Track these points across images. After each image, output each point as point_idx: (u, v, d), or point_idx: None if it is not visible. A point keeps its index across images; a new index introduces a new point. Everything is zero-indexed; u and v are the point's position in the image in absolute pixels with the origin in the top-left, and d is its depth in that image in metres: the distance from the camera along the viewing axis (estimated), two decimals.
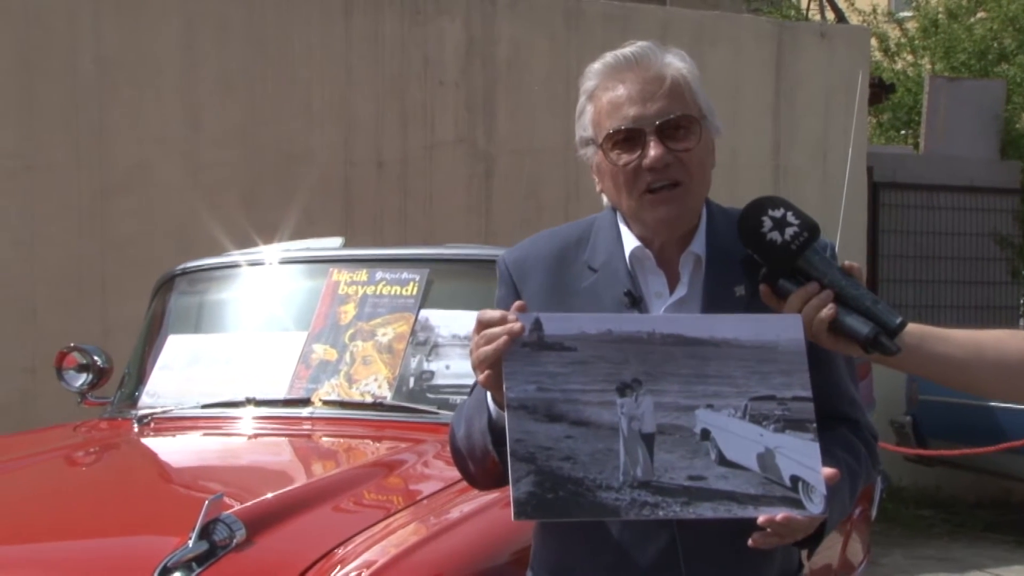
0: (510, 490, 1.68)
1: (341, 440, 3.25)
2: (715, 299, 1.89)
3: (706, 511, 1.70)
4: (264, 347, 3.53)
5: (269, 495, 2.47)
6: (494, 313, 1.76)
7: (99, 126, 6.30)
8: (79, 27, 6.30)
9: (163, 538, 2.27)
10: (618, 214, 1.97)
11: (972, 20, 12.85)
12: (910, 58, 13.12)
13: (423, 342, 3.35)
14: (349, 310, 3.47)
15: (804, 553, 2.01)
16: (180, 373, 3.57)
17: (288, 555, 2.23)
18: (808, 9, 14.69)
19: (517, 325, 1.73)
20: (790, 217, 1.82)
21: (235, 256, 3.98)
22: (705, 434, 1.73)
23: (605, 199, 1.99)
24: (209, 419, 3.38)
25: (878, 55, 12.75)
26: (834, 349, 1.83)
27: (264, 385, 3.39)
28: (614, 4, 7.69)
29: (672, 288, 1.93)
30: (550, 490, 1.68)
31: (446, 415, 2.91)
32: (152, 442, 3.39)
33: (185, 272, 3.89)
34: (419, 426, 3.19)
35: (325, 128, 6.84)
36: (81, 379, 3.88)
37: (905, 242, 9.48)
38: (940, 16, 12.97)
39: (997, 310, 9.75)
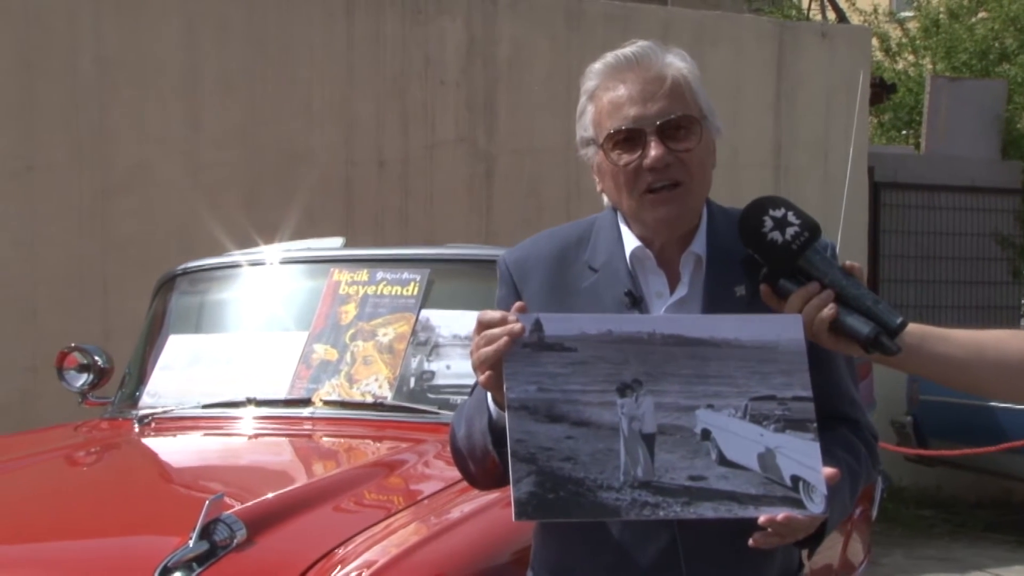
0: (511, 490, 1.68)
1: (342, 440, 3.25)
2: (715, 299, 1.89)
3: (707, 511, 1.70)
4: (265, 347, 3.53)
5: (270, 495, 2.47)
6: (494, 314, 1.77)
7: (100, 126, 6.30)
8: (79, 27, 6.30)
9: (164, 538, 2.27)
10: (619, 214, 1.97)
11: (973, 20, 12.85)
12: (911, 58, 13.13)
13: (424, 342, 3.35)
14: (350, 310, 3.47)
15: (805, 553, 2.01)
16: (181, 373, 3.57)
17: (289, 555, 2.23)
18: (809, 9, 14.69)
19: (517, 326, 1.73)
20: (791, 217, 1.82)
21: (236, 256, 3.98)
22: (706, 434, 1.73)
23: (606, 199, 1.99)
24: (210, 419, 3.38)
25: (879, 55, 12.75)
26: (835, 349, 1.83)
27: (265, 385, 3.39)
28: (615, 4, 7.69)
29: (672, 288, 1.93)
30: (551, 490, 1.68)
31: (447, 415, 2.91)
32: (153, 442, 3.39)
33: (186, 272, 3.89)
34: (420, 426, 3.19)
35: (326, 128, 6.84)
36: (82, 379, 3.88)
37: (906, 242, 9.48)
38: (941, 16, 12.97)
39: (998, 310, 9.74)
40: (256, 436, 3.32)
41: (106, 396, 3.90)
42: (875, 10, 13.40)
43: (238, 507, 2.30)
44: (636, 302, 1.91)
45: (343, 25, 6.90)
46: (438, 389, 3.27)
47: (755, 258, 1.85)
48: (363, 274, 3.53)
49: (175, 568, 2.12)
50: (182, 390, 3.50)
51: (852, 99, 7.35)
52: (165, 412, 3.43)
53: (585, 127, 1.95)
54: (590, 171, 1.99)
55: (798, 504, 1.71)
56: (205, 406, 3.41)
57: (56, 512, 2.68)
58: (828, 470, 1.74)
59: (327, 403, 3.32)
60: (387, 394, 3.29)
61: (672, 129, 1.87)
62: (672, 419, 1.73)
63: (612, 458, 1.70)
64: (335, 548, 2.25)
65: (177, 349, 3.65)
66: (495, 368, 1.74)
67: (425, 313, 3.40)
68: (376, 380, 3.31)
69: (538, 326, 1.74)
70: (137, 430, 3.40)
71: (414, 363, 3.32)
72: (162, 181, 6.39)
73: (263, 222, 6.07)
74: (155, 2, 6.50)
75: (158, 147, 6.42)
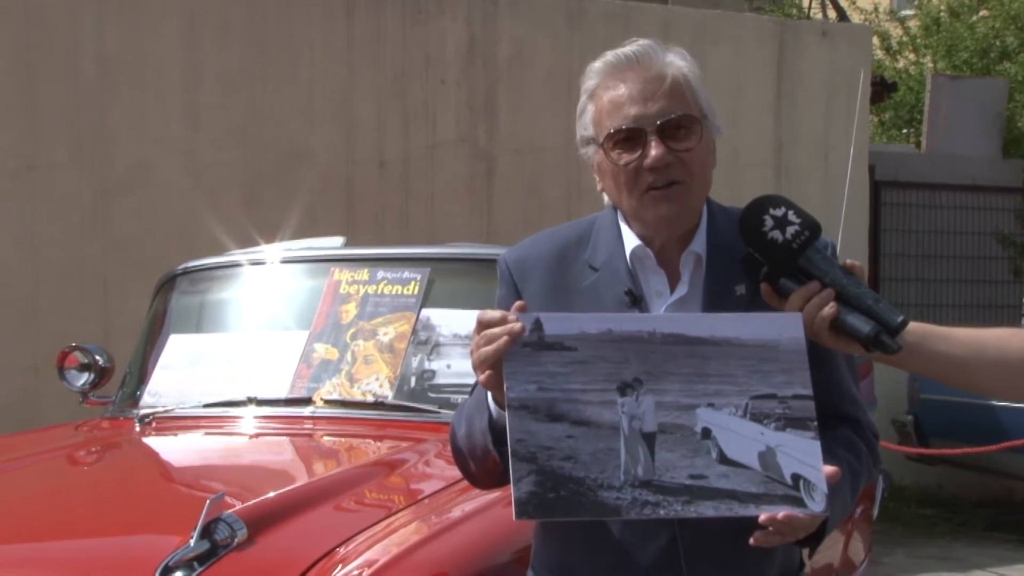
0: (511, 490, 1.68)
1: (342, 439, 3.25)
2: (716, 298, 1.89)
3: (707, 510, 1.70)
4: (265, 346, 3.53)
5: (271, 494, 2.47)
6: (494, 313, 1.77)
7: (100, 126, 6.31)
8: (80, 27, 6.30)
9: (164, 537, 2.28)
10: (619, 213, 1.97)
11: (974, 18, 12.85)
12: (912, 56, 13.12)
13: (424, 341, 3.35)
14: (350, 309, 3.48)
15: (806, 552, 2.00)
16: (182, 373, 3.57)
17: (289, 554, 2.23)
18: (810, 8, 14.69)
19: (517, 325, 1.73)
20: (791, 216, 1.82)
21: (236, 256, 3.99)
22: (706, 433, 1.73)
23: (606, 198, 1.99)
24: (211, 418, 3.39)
25: (880, 54, 12.75)
26: (835, 348, 1.83)
27: (265, 384, 3.40)
28: (616, 3, 7.69)
29: (673, 287, 1.93)
30: (551, 490, 1.68)
31: (447, 414, 2.91)
32: (153, 441, 3.40)
33: (186, 272, 3.89)
34: (420, 425, 3.19)
35: (326, 128, 6.85)
36: (83, 379, 3.88)
37: (907, 241, 9.47)
38: (942, 14, 12.97)
39: (999, 309, 9.74)
40: (257, 435, 3.32)
41: (107, 396, 3.90)
42: (876, 9, 13.41)
43: (239, 506, 2.31)
44: (636, 301, 1.90)
45: (343, 25, 6.90)
46: (439, 388, 3.28)
47: (755, 257, 1.85)
48: (364, 273, 3.53)
49: (176, 567, 2.12)
50: (183, 389, 3.51)
51: (853, 98, 7.35)
52: (166, 412, 3.43)
53: (585, 126, 1.95)
54: (590, 170, 1.99)
55: (799, 503, 1.71)
56: (206, 405, 3.42)
57: (57, 511, 2.69)
58: (829, 468, 1.73)
59: (328, 402, 3.32)
60: (388, 393, 3.29)
61: (672, 129, 1.87)
62: (673, 418, 1.73)
63: (612, 457, 1.70)
64: (336, 547, 2.25)
65: (178, 349, 3.65)
66: (495, 367, 1.74)
67: (426, 312, 3.40)
68: (377, 379, 3.32)
69: (538, 325, 1.74)
70: (138, 429, 3.40)
71: (415, 362, 3.32)
72: (163, 181, 6.40)
73: (264, 222, 6.07)
74: (156, 2, 6.50)
75: (159, 147, 6.42)
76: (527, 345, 1.73)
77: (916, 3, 13.56)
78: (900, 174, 9.44)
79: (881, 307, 1.79)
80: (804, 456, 1.73)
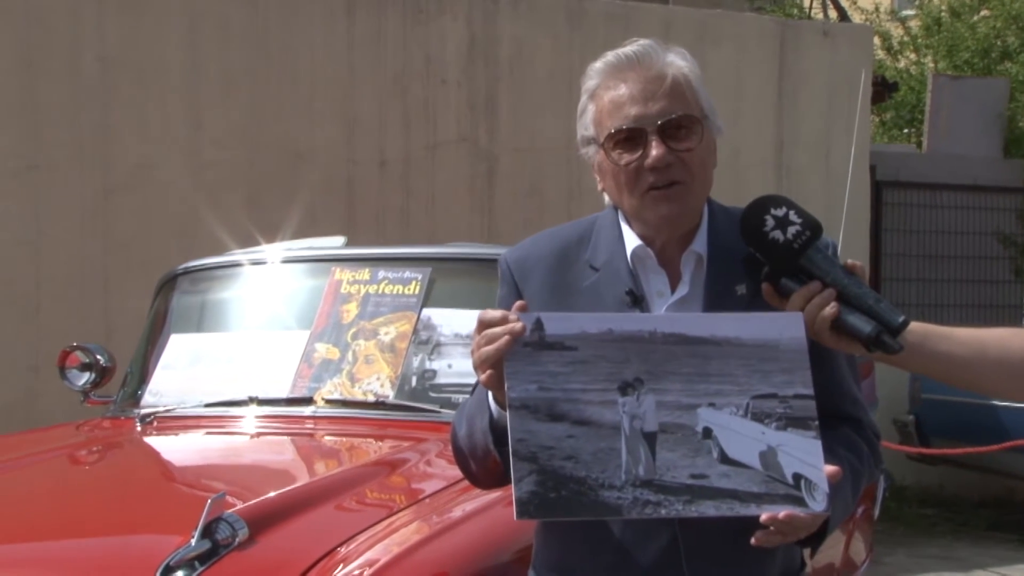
0: (512, 489, 1.68)
1: (343, 439, 3.25)
2: (717, 298, 1.89)
3: (708, 509, 1.70)
4: (267, 346, 3.54)
5: (272, 494, 2.47)
6: (495, 313, 1.77)
7: (102, 125, 6.31)
8: (82, 26, 6.31)
9: (165, 537, 2.28)
10: (619, 213, 1.97)
11: (975, 18, 12.85)
12: (913, 56, 13.12)
13: (425, 341, 3.35)
14: (351, 309, 3.48)
15: (807, 552, 2.00)
16: (183, 372, 3.58)
17: (291, 554, 2.23)
18: (811, 8, 14.68)
19: (518, 325, 1.73)
20: (792, 216, 1.82)
21: (237, 255, 3.99)
22: (707, 432, 1.73)
23: (607, 198, 1.99)
24: (212, 418, 3.39)
25: (881, 53, 12.74)
26: (836, 348, 1.83)
27: (267, 384, 3.40)
28: (616, 3, 7.69)
29: (674, 287, 1.93)
30: (552, 489, 1.68)
31: (448, 414, 2.92)
32: (155, 441, 3.40)
33: (187, 271, 3.89)
34: (421, 425, 3.19)
35: (327, 127, 6.85)
36: (84, 378, 3.88)
37: (908, 241, 9.47)
38: (943, 14, 12.97)
39: (1000, 309, 9.74)
40: (258, 435, 3.32)
41: (108, 395, 3.90)
42: (877, 8, 13.40)
43: (240, 506, 2.31)
44: (637, 301, 1.90)
45: (344, 24, 6.90)
46: (440, 388, 3.28)
47: (756, 257, 1.85)
48: (365, 273, 3.54)
49: (177, 567, 2.12)
50: (184, 389, 3.51)
51: (854, 98, 7.34)
52: (167, 411, 3.44)
53: (586, 126, 1.95)
54: (591, 170, 1.99)
55: (800, 502, 1.71)
56: (207, 405, 3.42)
57: (58, 511, 2.69)
58: (830, 468, 1.74)
59: (329, 402, 3.33)
60: (389, 393, 3.29)
61: (673, 129, 1.87)
62: (673, 417, 1.73)
63: (614, 457, 1.70)
64: (337, 547, 2.25)
65: (179, 348, 3.65)
66: (496, 367, 1.74)
67: (427, 312, 3.40)
68: (378, 379, 3.32)
69: (539, 325, 1.74)
70: (139, 429, 3.40)
71: (416, 362, 3.32)
72: (164, 180, 6.40)
73: (264, 221, 6.07)
74: (157, 2, 6.50)
75: (160, 146, 6.42)
76: (528, 345, 1.73)
77: (917, 3, 13.55)
78: (901, 174, 9.43)
79: (882, 307, 1.79)
80: (805, 456, 1.73)
